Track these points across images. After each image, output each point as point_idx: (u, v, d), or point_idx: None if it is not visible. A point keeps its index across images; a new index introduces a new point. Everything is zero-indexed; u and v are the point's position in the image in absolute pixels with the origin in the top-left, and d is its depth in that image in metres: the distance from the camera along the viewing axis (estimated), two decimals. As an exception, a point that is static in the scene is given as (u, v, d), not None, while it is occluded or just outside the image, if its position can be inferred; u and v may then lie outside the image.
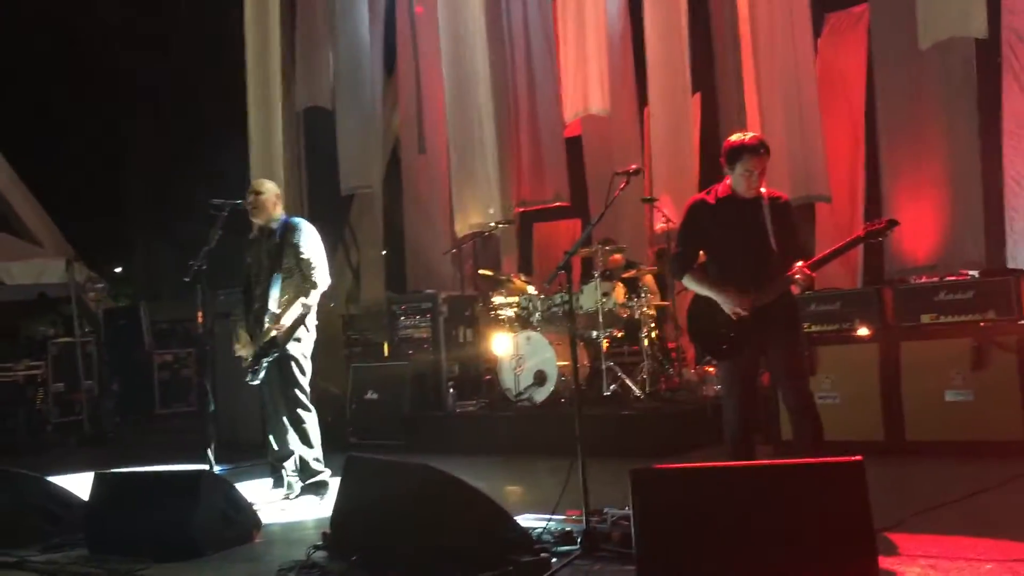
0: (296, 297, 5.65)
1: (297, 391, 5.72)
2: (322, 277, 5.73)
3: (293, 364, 5.70)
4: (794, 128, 7.98)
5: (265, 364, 5.60)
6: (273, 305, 5.60)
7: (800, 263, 4.46)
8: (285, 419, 5.74)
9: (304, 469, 5.74)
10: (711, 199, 4.67)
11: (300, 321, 5.69)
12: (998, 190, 7.66)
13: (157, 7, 13.16)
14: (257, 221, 5.84)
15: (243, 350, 5.74)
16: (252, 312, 5.79)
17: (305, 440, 5.72)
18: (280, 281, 5.62)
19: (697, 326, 4.81)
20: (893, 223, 4.47)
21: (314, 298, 5.71)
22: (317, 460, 5.76)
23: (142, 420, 12.11)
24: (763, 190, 4.60)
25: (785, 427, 6.37)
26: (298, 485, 5.77)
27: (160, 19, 13.46)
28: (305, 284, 5.68)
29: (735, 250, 4.62)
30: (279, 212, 5.89)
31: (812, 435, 4.49)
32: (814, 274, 4.51)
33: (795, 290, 4.62)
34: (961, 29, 7.20)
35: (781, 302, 4.54)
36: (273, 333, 5.58)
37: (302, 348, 5.75)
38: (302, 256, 5.70)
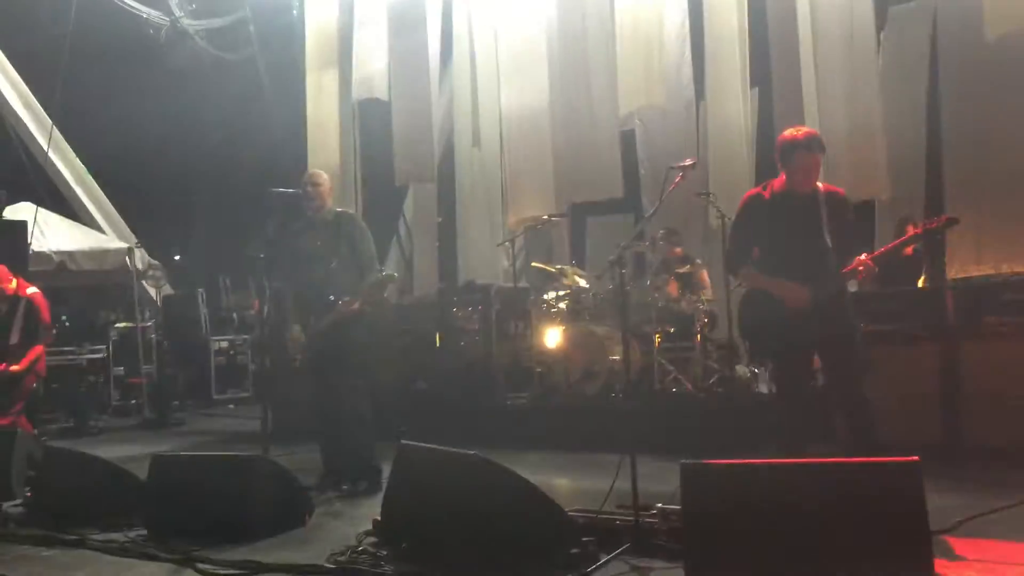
0: (365, 286, 5.65)
1: (357, 380, 5.74)
2: (377, 269, 5.81)
3: (354, 353, 5.73)
4: (855, 125, 7.84)
5: (318, 349, 5.60)
6: (336, 292, 5.61)
7: (864, 255, 4.42)
8: (342, 408, 5.72)
9: (360, 458, 5.74)
10: (767, 194, 4.63)
11: (365, 309, 5.71)
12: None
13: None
14: (314, 211, 5.85)
15: (298, 337, 5.75)
16: (305, 298, 5.79)
17: (362, 429, 5.73)
18: (338, 269, 5.65)
19: (751, 323, 4.76)
20: (953, 221, 4.40)
21: (373, 287, 5.71)
22: (370, 449, 5.78)
23: (199, 405, 12.35)
24: (820, 185, 4.55)
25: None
26: (351, 476, 5.76)
27: (225, 11, 13.64)
28: (373, 275, 5.70)
29: (790, 246, 4.58)
30: (331, 203, 5.95)
31: (863, 437, 4.41)
32: (875, 267, 4.44)
33: (860, 278, 4.57)
34: (1030, 21, 7.02)
35: (837, 299, 4.50)
36: (339, 317, 5.57)
37: (363, 337, 5.79)
38: (361, 249, 5.75)
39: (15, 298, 7.26)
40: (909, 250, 6.23)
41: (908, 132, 8.80)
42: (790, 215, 4.56)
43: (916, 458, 3.27)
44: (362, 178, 11.33)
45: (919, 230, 4.49)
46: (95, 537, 4.76)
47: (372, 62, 11.06)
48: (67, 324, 12.24)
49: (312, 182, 5.84)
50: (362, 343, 5.81)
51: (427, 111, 10.81)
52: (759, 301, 4.63)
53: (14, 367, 7.02)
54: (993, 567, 3.52)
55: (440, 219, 11.56)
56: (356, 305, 5.59)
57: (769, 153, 9.16)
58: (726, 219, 7.85)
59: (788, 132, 4.57)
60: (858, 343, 4.65)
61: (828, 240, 4.47)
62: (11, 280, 7.33)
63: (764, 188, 4.67)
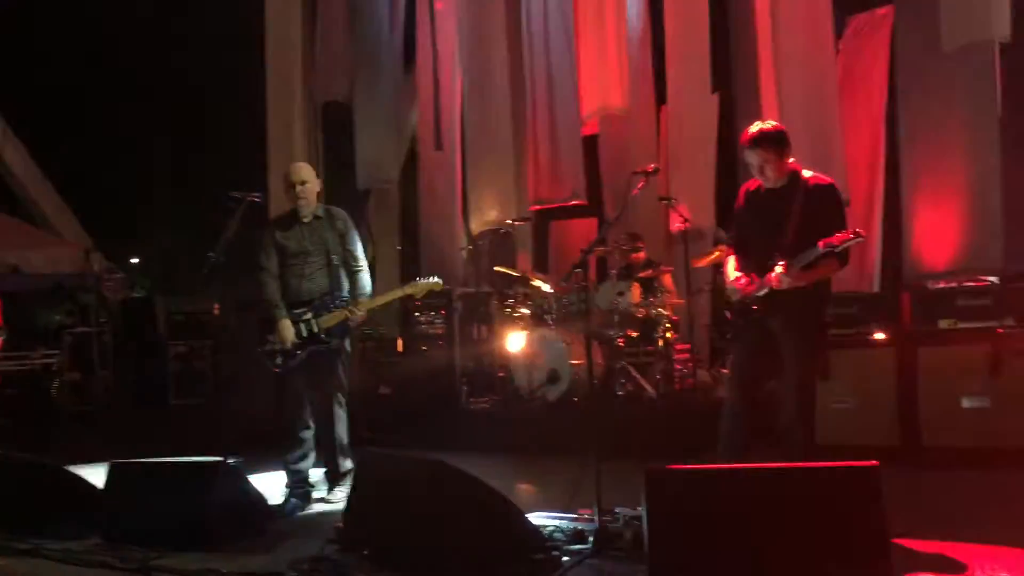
0: (363, 289, 5.65)
1: (343, 383, 5.67)
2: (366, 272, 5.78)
3: (343, 356, 5.67)
4: (813, 130, 7.93)
5: (309, 351, 5.49)
6: (337, 291, 5.56)
7: (781, 264, 4.36)
8: (324, 410, 5.59)
9: (343, 458, 5.65)
10: (753, 186, 4.68)
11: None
12: (1019, 196, 7.59)
13: (178, -1, 13.24)
14: (302, 208, 5.65)
15: (287, 337, 5.52)
16: (295, 298, 5.60)
17: (343, 432, 5.66)
18: (335, 269, 5.58)
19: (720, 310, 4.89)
20: (859, 236, 4.23)
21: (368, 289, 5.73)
22: (349, 452, 5.69)
23: (156, 410, 12.15)
24: (806, 175, 4.52)
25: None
26: (328, 481, 5.69)
27: (180, 10, 13.50)
28: (363, 278, 5.68)
29: (751, 239, 4.64)
30: (317, 198, 5.79)
31: (786, 451, 4.38)
32: (792, 275, 4.34)
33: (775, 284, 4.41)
34: (985, 32, 7.16)
35: (794, 298, 4.41)
36: (345, 318, 5.52)
37: (347, 339, 5.73)
38: (350, 250, 5.68)
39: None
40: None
41: (867, 138, 8.95)
42: (758, 208, 4.61)
43: (875, 462, 3.32)
44: (324, 181, 11.24)
45: (820, 245, 4.36)
46: (50, 546, 4.65)
47: (334, 64, 11.02)
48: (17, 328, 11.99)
49: (301, 180, 5.64)
50: (347, 348, 5.76)
51: (390, 114, 10.79)
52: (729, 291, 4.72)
53: None
54: (953, 570, 3.57)
55: (402, 223, 11.52)
56: (362, 315, 5.60)
57: (732, 158, 9.28)
58: (688, 224, 7.92)
59: (746, 129, 4.61)
60: (805, 349, 4.51)
61: (789, 234, 4.40)
62: None
63: (755, 181, 4.69)
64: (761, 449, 4.55)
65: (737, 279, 4.63)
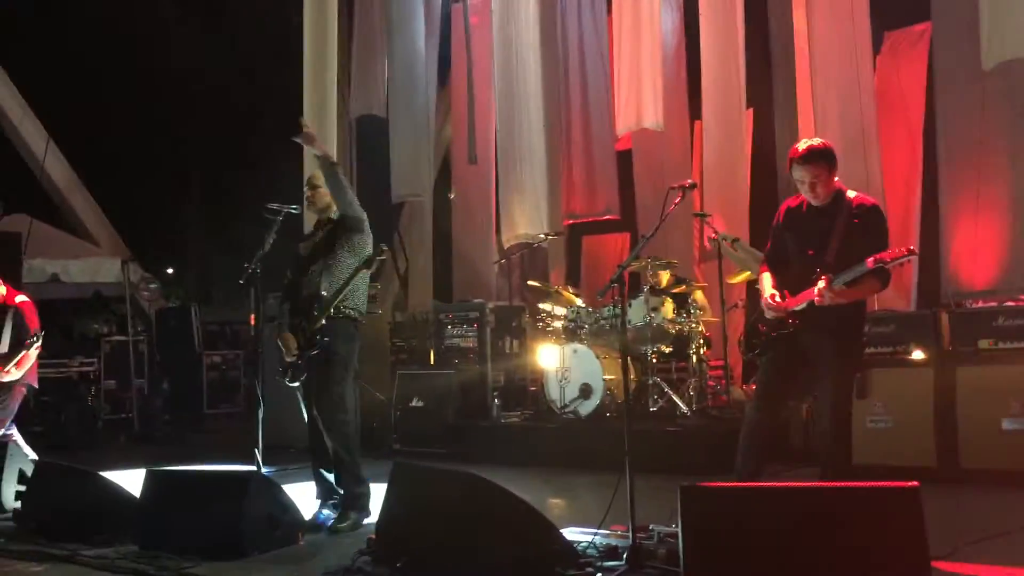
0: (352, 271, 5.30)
1: (338, 391, 5.30)
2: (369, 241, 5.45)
3: (338, 362, 5.30)
4: (850, 147, 7.87)
5: (308, 357, 5.26)
6: (327, 293, 5.28)
7: (824, 279, 4.29)
8: (321, 423, 5.31)
9: (341, 481, 5.32)
10: (794, 203, 4.66)
11: (342, 316, 5.31)
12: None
13: (219, 13, 13.41)
14: (318, 213, 5.60)
15: (288, 347, 5.36)
16: (296, 307, 5.43)
17: (343, 447, 5.28)
18: (330, 270, 5.32)
19: (749, 322, 4.85)
20: (912, 252, 4.18)
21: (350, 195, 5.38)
22: (355, 471, 5.32)
23: (190, 419, 12.27)
24: (850, 195, 4.49)
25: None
26: (334, 505, 5.36)
27: (221, 24, 13.70)
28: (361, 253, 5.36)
29: (792, 257, 4.61)
30: (335, 207, 5.57)
31: (827, 460, 4.35)
32: (835, 291, 4.27)
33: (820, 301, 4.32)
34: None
35: (832, 315, 4.36)
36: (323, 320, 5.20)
37: (348, 347, 5.36)
38: (353, 237, 5.39)
39: (3, 307, 7.18)
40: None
41: (905, 156, 8.86)
42: (800, 227, 4.58)
43: (916, 483, 3.27)
44: (357, 194, 11.32)
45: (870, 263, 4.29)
46: (86, 553, 4.71)
47: (370, 79, 11.11)
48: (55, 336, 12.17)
49: (312, 184, 5.58)
50: (346, 353, 5.36)
51: (424, 128, 10.85)
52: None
53: (5, 372, 6.91)
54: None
55: (435, 236, 11.56)
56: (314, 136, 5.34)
57: (765, 174, 9.21)
58: (721, 239, 7.88)
59: (794, 146, 4.58)
60: (843, 368, 4.45)
61: (831, 255, 4.37)
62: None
63: (798, 196, 4.67)
64: (775, 468, 4.51)
65: (772, 296, 4.58)
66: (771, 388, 4.62)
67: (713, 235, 7.82)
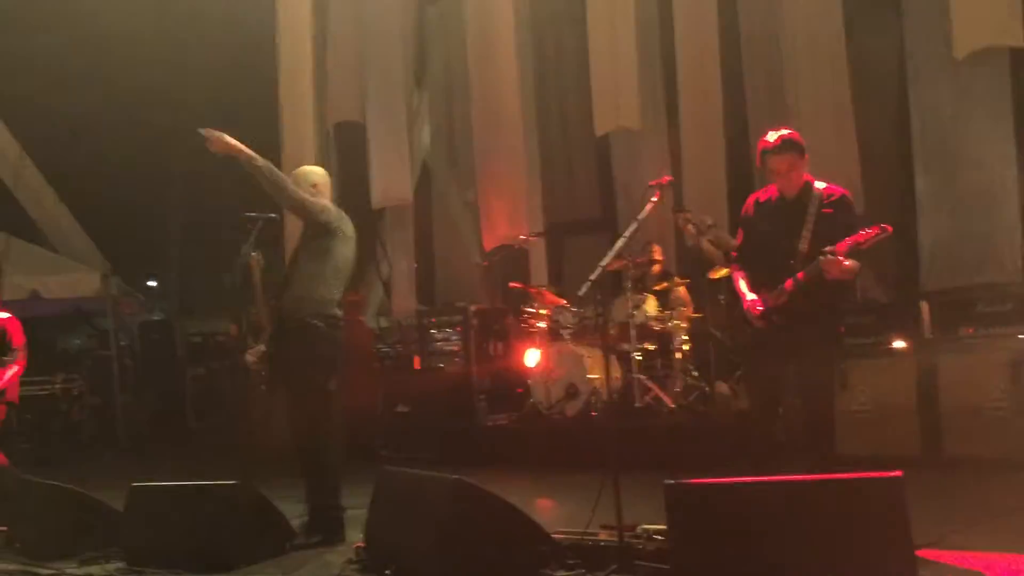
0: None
1: (313, 403, 5.08)
2: (326, 215, 5.09)
3: (312, 370, 5.07)
4: (827, 139, 7.92)
5: (277, 365, 5.10)
6: (287, 294, 5.10)
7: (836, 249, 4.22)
8: (299, 436, 5.13)
9: (317, 505, 5.10)
10: (762, 197, 4.67)
11: (317, 315, 5.02)
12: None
13: (190, 23, 13.34)
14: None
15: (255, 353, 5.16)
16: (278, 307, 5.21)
17: (319, 464, 5.10)
18: (293, 270, 5.16)
19: (733, 319, 4.87)
20: (884, 231, 4.20)
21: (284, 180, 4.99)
22: (331, 495, 5.10)
23: (175, 432, 12.21)
24: (819, 186, 4.51)
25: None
26: (308, 525, 5.08)
27: (194, 32, 13.62)
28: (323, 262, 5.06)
29: (762, 250, 4.62)
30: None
31: (811, 463, 4.33)
32: (836, 259, 4.22)
33: (832, 275, 4.27)
34: (997, 38, 7.13)
35: (812, 308, 4.39)
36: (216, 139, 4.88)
37: (324, 351, 5.10)
38: (311, 243, 5.11)
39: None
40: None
41: (879, 146, 8.91)
42: (770, 218, 4.59)
43: (899, 473, 3.28)
44: (338, 200, 11.29)
45: (860, 239, 4.22)
46: (73, 571, 4.68)
47: (347, 84, 11.08)
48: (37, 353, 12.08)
49: (303, 185, 5.33)
50: (324, 362, 5.09)
51: (403, 132, 10.83)
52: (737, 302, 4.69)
53: None
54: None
55: (417, 241, 11.54)
56: (224, 139, 4.86)
57: (742, 168, 9.25)
58: (703, 234, 7.89)
59: (764, 136, 4.60)
60: (826, 360, 4.50)
61: (804, 245, 4.38)
62: None
63: (765, 190, 4.69)
64: (781, 461, 4.52)
65: (753, 302, 4.56)
66: (765, 382, 4.63)
67: (689, 222, 7.78)
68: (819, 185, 4.53)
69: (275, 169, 4.97)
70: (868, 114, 8.78)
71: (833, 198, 4.48)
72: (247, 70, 12.35)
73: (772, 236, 4.57)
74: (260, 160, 4.93)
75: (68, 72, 14.29)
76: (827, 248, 4.26)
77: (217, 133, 4.88)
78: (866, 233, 4.19)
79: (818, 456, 4.36)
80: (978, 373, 5.97)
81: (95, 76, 14.48)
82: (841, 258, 4.23)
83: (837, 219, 4.39)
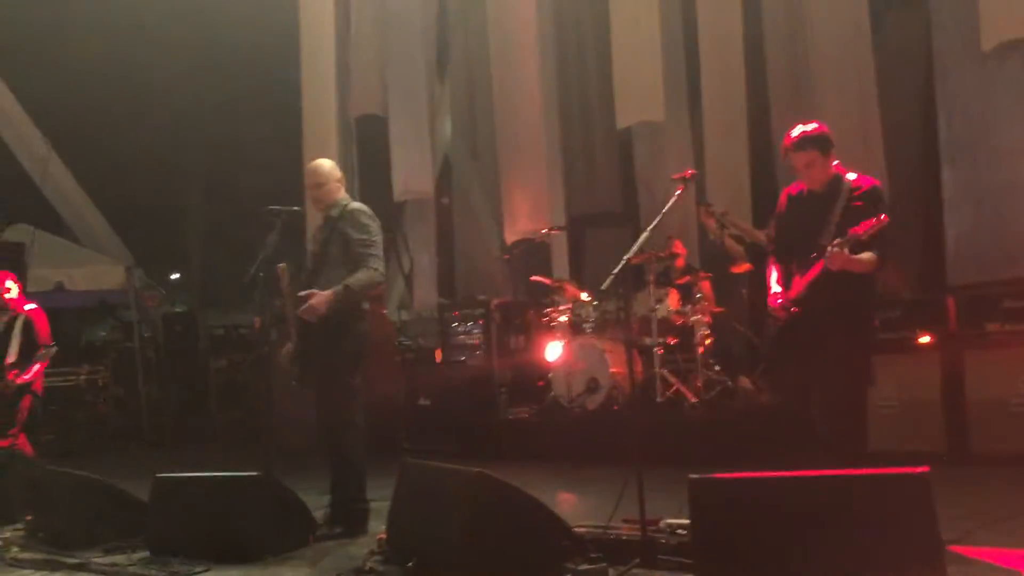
0: (343, 284, 4.99)
1: (339, 396, 5.10)
2: (376, 264, 5.10)
3: (338, 363, 5.08)
4: (851, 132, 7.84)
5: (306, 361, 5.12)
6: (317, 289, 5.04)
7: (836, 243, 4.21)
8: (329, 440, 5.14)
9: (342, 498, 5.12)
10: (794, 191, 4.64)
11: (345, 309, 5.02)
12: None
13: (212, 17, 13.40)
14: (322, 211, 5.38)
15: (288, 351, 5.24)
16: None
17: (344, 457, 5.11)
18: (327, 270, 5.13)
19: (760, 313, 4.85)
20: (880, 221, 4.15)
21: (361, 281, 5.02)
22: (357, 489, 5.12)
23: (199, 424, 12.29)
24: (851, 177, 4.46)
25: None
26: (332, 517, 5.11)
27: (216, 29, 13.69)
28: (355, 269, 5.05)
29: (787, 245, 4.59)
30: (340, 197, 5.33)
31: (839, 447, 4.29)
32: (846, 255, 4.19)
33: (836, 267, 4.24)
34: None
35: (833, 299, 4.34)
36: (309, 309, 4.92)
37: (350, 346, 5.12)
38: (353, 242, 5.09)
39: (12, 314, 7.18)
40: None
41: (905, 138, 8.83)
42: (798, 213, 4.57)
43: (926, 468, 3.25)
44: (360, 194, 11.34)
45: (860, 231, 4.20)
46: (98, 560, 4.72)
47: (369, 78, 11.10)
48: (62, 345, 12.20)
49: (308, 182, 5.41)
50: (348, 360, 5.12)
51: (424, 125, 10.84)
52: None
53: (21, 378, 6.90)
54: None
55: (438, 234, 11.56)
56: (320, 304, 4.91)
57: (764, 162, 9.18)
58: (725, 228, 7.85)
59: (788, 132, 4.56)
60: (846, 356, 4.42)
61: (827, 240, 4.32)
62: (11, 290, 7.22)
63: (796, 185, 4.66)
64: (807, 456, 4.48)
65: (774, 296, 4.56)
66: (792, 378, 4.60)
67: (711, 216, 7.74)
68: (850, 177, 4.47)
69: (352, 287, 5.03)
70: (894, 107, 8.70)
71: (862, 190, 4.42)
72: (270, 66, 12.40)
73: (798, 230, 4.54)
74: (344, 291, 5.01)
75: (95, 71, 14.41)
76: (835, 241, 4.23)
77: (312, 304, 4.96)
78: (864, 224, 4.15)
79: (846, 452, 4.31)
80: (1004, 369, 5.91)
81: (121, 74, 14.59)
82: (844, 251, 4.19)
83: (865, 211, 4.31)
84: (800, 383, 4.59)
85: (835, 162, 4.50)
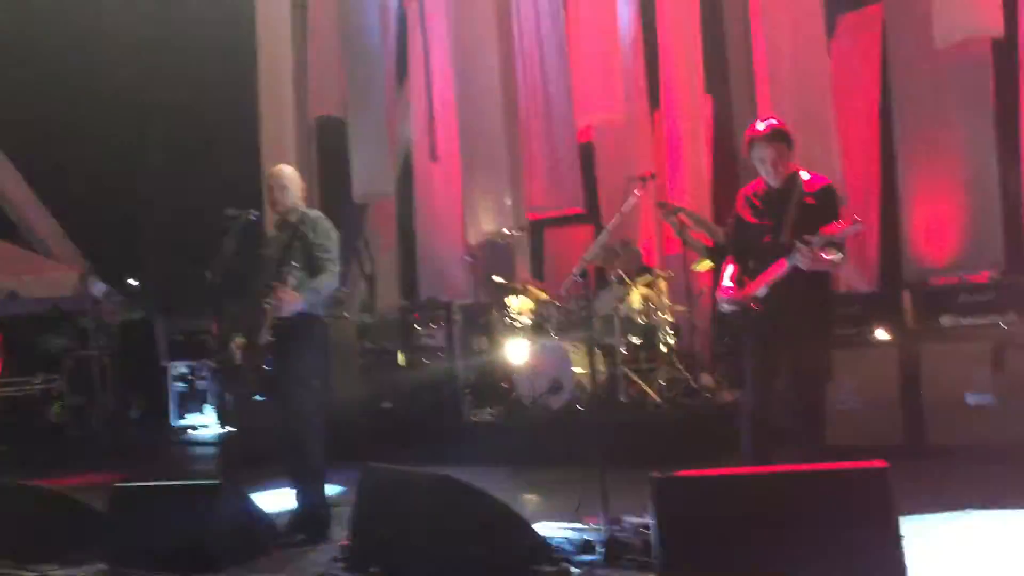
0: (308, 285, 5.01)
1: (299, 400, 5.07)
2: (336, 269, 5.19)
3: (298, 368, 5.08)
4: (808, 131, 7.92)
5: (267, 370, 5.05)
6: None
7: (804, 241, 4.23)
8: (285, 435, 5.12)
9: (303, 504, 5.10)
10: (750, 191, 4.66)
11: (304, 315, 5.03)
12: (1016, 190, 7.60)
13: (167, 18, 13.22)
14: (279, 215, 5.37)
15: (241, 344, 5.17)
16: (251, 312, 5.16)
17: (304, 462, 5.09)
18: (287, 277, 5.01)
19: (718, 324, 4.86)
20: (857, 223, 4.22)
21: (324, 284, 5.08)
22: (317, 495, 5.13)
23: (158, 432, 12.10)
24: (805, 176, 4.51)
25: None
26: (291, 524, 5.07)
27: (171, 31, 13.50)
28: (315, 273, 5.07)
29: (747, 242, 4.61)
30: (298, 203, 5.34)
31: (795, 452, 4.32)
32: (809, 249, 4.21)
33: (808, 267, 4.27)
34: (977, 29, 7.16)
35: (796, 296, 4.38)
36: (279, 303, 4.91)
37: (310, 350, 5.13)
38: (315, 247, 5.12)
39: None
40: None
41: (862, 137, 8.94)
42: (756, 209, 4.59)
43: (885, 463, 3.28)
44: (320, 196, 11.25)
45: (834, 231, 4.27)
46: (55, 573, 4.63)
47: (327, 78, 11.01)
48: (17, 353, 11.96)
49: (267, 184, 5.40)
50: (310, 363, 5.12)
51: (384, 126, 10.78)
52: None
53: None
54: (964, 567, 3.54)
55: (399, 236, 11.50)
56: (291, 300, 4.91)
57: (726, 159, 9.26)
58: (685, 227, 7.89)
59: (752, 125, 4.59)
60: (807, 351, 4.47)
61: (785, 235, 4.38)
62: None
63: (755, 183, 4.68)
64: (768, 452, 4.51)
65: (725, 289, 4.59)
66: (756, 374, 4.61)
67: (672, 215, 7.77)
68: (804, 175, 4.52)
69: (318, 287, 5.09)
70: (851, 105, 8.81)
71: (816, 188, 4.47)
72: (226, 66, 12.25)
73: (757, 229, 4.57)
74: (311, 294, 5.06)
75: (45, 72, 14.15)
76: (804, 238, 4.25)
77: (282, 297, 4.95)
78: (838, 225, 4.19)
79: (806, 447, 4.35)
80: (960, 362, 6.00)
81: (73, 75, 14.34)
82: (816, 249, 4.22)
83: (819, 210, 4.37)
84: (761, 378, 4.61)
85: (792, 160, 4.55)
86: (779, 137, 4.47)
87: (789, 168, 4.51)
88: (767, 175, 4.52)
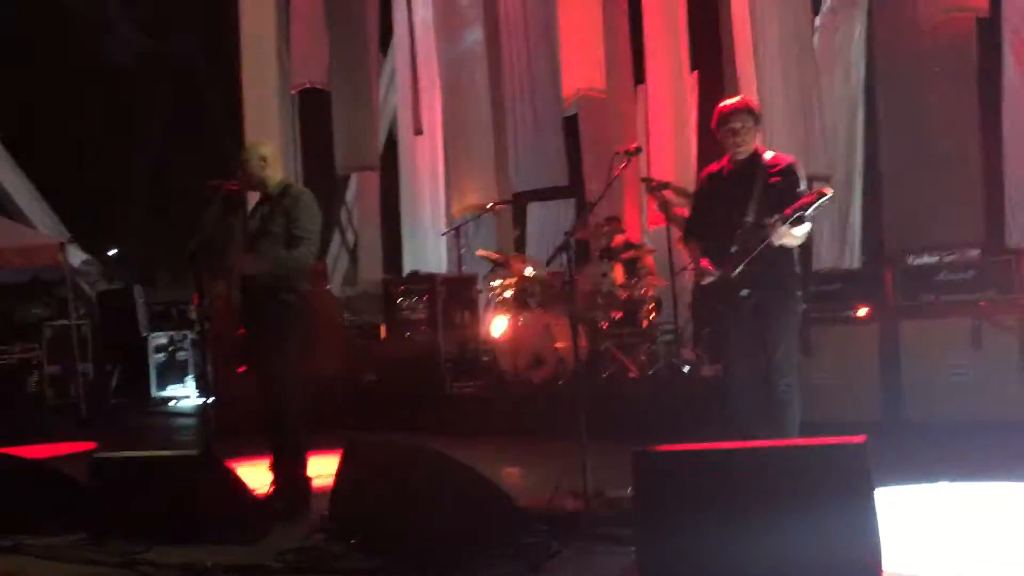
0: (280, 254, 4.97)
1: (276, 374, 5.02)
2: (312, 247, 5.13)
3: (277, 340, 5.01)
4: (793, 107, 7.93)
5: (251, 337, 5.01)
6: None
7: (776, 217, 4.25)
8: (265, 406, 5.08)
9: (279, 470, 5.05)
10: (715, 167, 4.67)
11: (281, 286, 4.99)
12: (998, 168, 7.64)
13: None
14: (257, 188, 5.29)
15: (221, 293, 5.17)
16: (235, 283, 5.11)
17: (284, 433, 5.04)
18: (266, 246, 5.00)
19: (698, 301, 4.86)
20: (823, 195, 4.19)
21: (299, 256, 5.02)
22: (297, 461, 5.04)
23: (138, 403, 12.07)
24: (768, 155, 4.53)
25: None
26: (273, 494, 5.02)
27: (156, 2, 13.35)
28: (290, 247, 5.01)
29: (712, 220, 4.61)
30: (277, 175, 5.27)
31: (775, 417, 4.36)
32: (784, 225, 4.22)
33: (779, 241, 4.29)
34: (962, 7, 7.16)
35: (769, 273, 4.39)
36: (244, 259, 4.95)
37: (288, 322, 5.04)
38: (295, 221, 5.03)
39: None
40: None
41: (846, 115, 8.95)
42: (722, 187, 4.59)
43: (863, 437, 3.31)
44: (303, 168, 11.17)
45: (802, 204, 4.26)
46: (33, 543, 4.60)
47: (311, 50, 10.91)
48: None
49: (242, 157, 5.32)
50: (285, 334, 5.03)
51: (368, 99, 10.70)
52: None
53: None
54: (938, 542, 3.58)
55: (383, 209, 11.45)
56: (250, 259, 4.93)
57: (711, 135, 9.25)
58: (669, 203, 7.89)
59: (721, 102, 4.61)
60: (782, 321, 4.49)
61: (751, 214, 4.38)
62: None
63: (718, 161, 4.69)
64: (743, 427, 4.54)
65: (703, 261, 4.58)
66: (740, 351, 4.63)
67: (656, 190, 7.76)
68: (767, 155, 4.55)
69: (286, 257, 5.02)
70: (835, 83, 8.81)
71: (780, 167, 4.50)
72: (209, 37, 12.13)
73: (721, 208, 4.56)
74: (266, 265, 5.01)
75: (28, 42, 13.97)
76: (778, 216, 4.26)
77: (247, 257, 5.01)
78: (806, 198, 4.20)
79: (782, 421, 4.39)
80: (939, 339, 6.05)
81: (56, 46, 14.17)
82: (783, 225, 4.23)
83: (783, 187, 4.40)
84: (748, 354, 4.62)
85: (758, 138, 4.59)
86: (748, 110, 4.52)
87: (753, 146, 4.53)
88: (734, 148, 4.52)
